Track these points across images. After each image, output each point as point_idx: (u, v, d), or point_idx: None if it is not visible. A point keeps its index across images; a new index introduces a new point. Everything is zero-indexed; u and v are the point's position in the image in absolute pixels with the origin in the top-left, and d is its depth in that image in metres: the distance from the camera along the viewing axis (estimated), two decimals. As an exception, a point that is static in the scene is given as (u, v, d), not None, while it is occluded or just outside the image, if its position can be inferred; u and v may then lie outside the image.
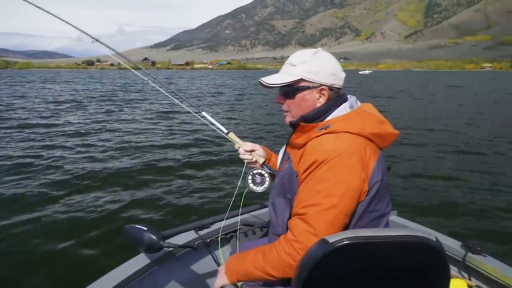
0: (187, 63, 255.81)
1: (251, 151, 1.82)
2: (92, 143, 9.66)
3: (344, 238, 1.06)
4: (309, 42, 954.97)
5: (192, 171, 7.19)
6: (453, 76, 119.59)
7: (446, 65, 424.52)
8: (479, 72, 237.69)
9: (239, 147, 1.84)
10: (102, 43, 2.07)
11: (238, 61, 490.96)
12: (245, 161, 1.84)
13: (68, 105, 19.25)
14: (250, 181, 1.78)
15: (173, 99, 2.04)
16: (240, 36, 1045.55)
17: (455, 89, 39.81)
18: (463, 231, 4.46)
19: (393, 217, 2.36)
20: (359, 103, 1.49)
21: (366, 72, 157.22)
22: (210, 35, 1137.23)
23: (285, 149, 1.59)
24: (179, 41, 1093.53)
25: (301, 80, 1.43)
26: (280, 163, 1.62)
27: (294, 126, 1.46)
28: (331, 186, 1.24)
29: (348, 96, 1.50)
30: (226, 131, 1.85)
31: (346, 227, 1.28)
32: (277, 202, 1.50)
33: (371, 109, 1.45)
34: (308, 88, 1.43)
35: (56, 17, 1.99)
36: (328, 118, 1.41)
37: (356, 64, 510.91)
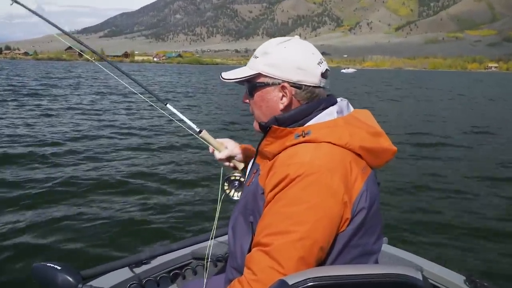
0: (126, 54, 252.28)
1: (229, 158, 1.86)
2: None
3: (308, 279, 1.04)
4: (279, 32, 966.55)
5: (137, 183, 7.27)
6: (452, 77, 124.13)
7: (445, 64, 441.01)
8: (483, 74, 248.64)
9: (213, 151, 1.86)
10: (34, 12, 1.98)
11: (191, 53, 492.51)
12: (222, 165, 1.86)
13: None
14: (226, 186, 1.80)
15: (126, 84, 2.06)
16: (194, 23, 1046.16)
17: (458, 95, 40.91)
18: (467, 263, 4.56)
19: (383, 246, 2.28)
20: (351, 109, 1.49)
21: (350, 70, 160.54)
22: (155, 20, 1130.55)
23: (255, 158, 1.60)
24: (116, 26, 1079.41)
25: (260, 75, 1.44)
26: (248, 175, 1.62)
27: (265, 129, 1.45)
28: (305, 210, 1.21)
29: (339, 99, 1.48)
30: (197, 130, 1.83)
31: (321, 265, 1.24)
32: (237, 226, 1.49)
33: (365, 116, 1.45)
34: (267, 85, 1.43)
35: None
36: (309, 123, 1.39)
37: (337, 61, 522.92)
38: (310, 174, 1.22)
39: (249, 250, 1.35)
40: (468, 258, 4.81)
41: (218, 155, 1.84)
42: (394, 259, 2.30)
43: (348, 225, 1.25)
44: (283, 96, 1.41)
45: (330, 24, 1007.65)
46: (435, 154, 10.83)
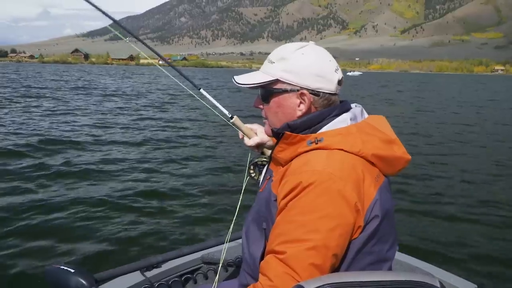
0: (131, 58, 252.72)
1: (259, 144, 1.83)
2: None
3: (325, 285, 1.04)
4: (285, 35, 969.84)
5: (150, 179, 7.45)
6: (459, 80, 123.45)
7: (451, 67, 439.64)
8: (490, 76, 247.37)
9: (243, 137, 1.85)
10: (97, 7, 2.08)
11: (196, 56, 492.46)
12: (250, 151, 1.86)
13: None
14: (251, 170, 1.81)
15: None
16: (199, 26, 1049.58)
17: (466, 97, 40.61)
18: (479, 273, 4.55)
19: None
20: (365, 115, 1.49)
21: (356, 73, 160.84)
22: (161, 23, 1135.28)
23: (268, 164, 1.61)
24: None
25: (277, 81, 1.43)
26: (262, 181, 1.62)
27: (277, 135, 1.45)
28: (318, 218, 1.22)
29: (353, 105, 1.50)
30: (229, 115, 1.82)
31: (335, 272, 1.26)
32: (251, 232, 1.50)
33: (380, 123, 1.44)
34: (285, 91, 1.42)
35: None
36: (322, 129, 1.39)
37: (342, 64, 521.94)
38: (322, 182, 1.22)
39: (262, 256, 1.38)
40: (479, 267, 4.77)
41: (248, 142, 1.81)
42: (407, 266, 2.30)
43: (361, 233, 1.26)
44: (301, 103, 1.41)
45: (335, 27, 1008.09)
46: (450, 160, 10.46)
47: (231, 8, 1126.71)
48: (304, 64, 1.39)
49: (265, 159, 1.78)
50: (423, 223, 6.07)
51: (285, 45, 1.47)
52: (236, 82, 1.52)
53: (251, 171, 1.80)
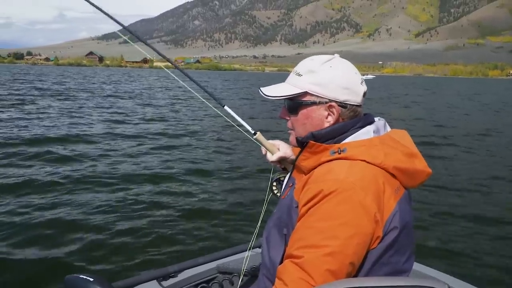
0: (145, 61, 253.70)
1: (281, 159, 1.85)
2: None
3: None
4: (298, 38, 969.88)
5: (167, 186, 7.54)
6: (474, 84, 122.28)
7: (465, 71, 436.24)
8: (505, 80, 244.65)
9: (266, 152, 1.87)
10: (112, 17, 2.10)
11: (209, 59, 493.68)
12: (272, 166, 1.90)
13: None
14: (274, 187, 1.85)
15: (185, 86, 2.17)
16: (212, 29, 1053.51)
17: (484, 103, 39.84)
18: (497, 283, 4.63)
19: None
20: (388, 128, 1.52)
21: (370, 77, 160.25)
22: (174, 26, 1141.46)
23: (291, 172, 1.64)
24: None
25: (306, 93, 1.45)
26: (284, 188, 1.66)
27: (302, 144, 1.49)
28: (337, 226, 1.23)
29: (376, 118, 1.52)
30: (253, 131, 1.84)
31: None
32: (271, 237, 1.51)
33: (402, 137, 1.46)
34: (314, 103, 1.45)
35: None
36: (346, 140, 1.42)
37: (356, 67, 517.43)
38: (344, 191, 1.25)
39: (282, 261, 1.38)
40: (490, 275, 4.82)
41: (271, 157, 1.84)
42: (422, 276, 2.30)
43: (379, 243, 1.28)
44: (329, 114, 1.45)
45: (349, 30, 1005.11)
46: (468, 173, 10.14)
47: (245, 11, 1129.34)
48: (333, 77, 1.42)
49: (285, 174, 1.81)
50: (439, 234, 6.03)
51: (312, 57, 1.51)
52: (264, 94, 1.53)
53: (274, 188, 1.84)
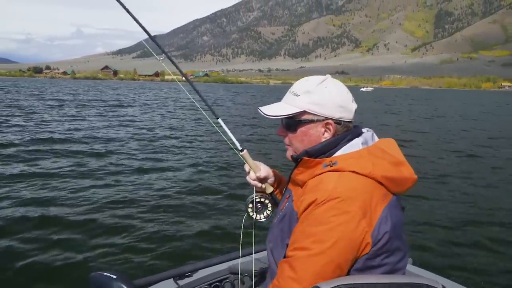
0: (157, 74, 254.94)
1: (263, 179, 1.87)
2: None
3: (340, 285, 1.08)
4: (301, 52, 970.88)
5: (177, 198, 7.38)
6: (468, 95, 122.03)
7: (459, 83, 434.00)
8: (497, 92, 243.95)
9: (250, 170, 1.86)
10: (152, 38, 2.14)
11: (217, 72, 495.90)
12: (253, 187, 1.89)
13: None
14: (250, 208, 1.85)
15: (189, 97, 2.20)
16: (220, 44, 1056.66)
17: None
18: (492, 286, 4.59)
19: (408, 266, 2.32)
20: (376, 139, 1.55)
21: (369, 89, 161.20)
22: (184, 41, 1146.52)
23: (287, 185, 1.68)
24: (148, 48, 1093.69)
25: (304, 112, 1.50)
26: (281, 200, 1.69)
27: (296, 160, 1.54)
28: (325, 230, 1.28)
29: (364, 129, 1.57)
30: (240, 148, 1.86)
31: None
32: (275, 247, 1.56)
33: (389, 146, 1.49)
34: (312, 121, 1.49)
35: None
36: (336, 154, 1.47)
37: (355, 80, 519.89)
38: (332, 199, 1.31)
39: None
40: (486, 279, 4.76)
41: (253, 175, 1.85)
42: (417, 277, 2.12)
43: (371, 248, 1.31)
44: (325, 131, 1.50)
45: (349, 45, 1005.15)
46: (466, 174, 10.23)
47: (250, 27, 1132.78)
48: (329, 97, 1.47)
49: (261, 197, 1.86)
50: (436, 237, 5.94)
51: (306, 78, 1.56)
52: (264, 114, 1.55)
53: (249, 209, 1.85)
